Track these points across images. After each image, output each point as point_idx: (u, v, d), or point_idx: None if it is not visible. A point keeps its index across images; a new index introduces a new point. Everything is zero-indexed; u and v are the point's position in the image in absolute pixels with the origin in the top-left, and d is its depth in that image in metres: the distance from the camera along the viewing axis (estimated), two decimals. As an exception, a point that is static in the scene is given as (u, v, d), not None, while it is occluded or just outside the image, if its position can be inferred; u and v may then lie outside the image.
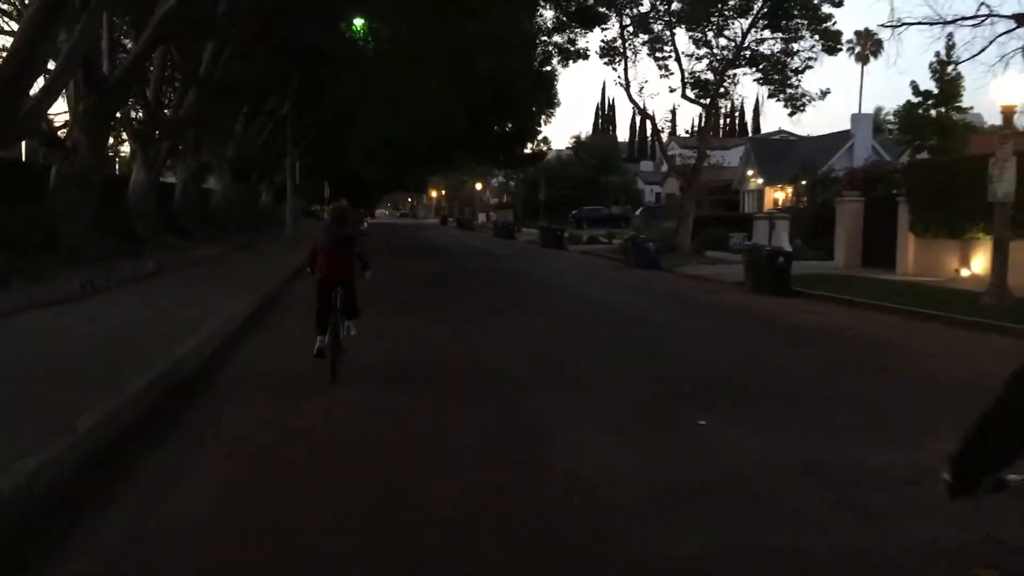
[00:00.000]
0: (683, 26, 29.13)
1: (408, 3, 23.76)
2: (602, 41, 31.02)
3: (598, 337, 11.18)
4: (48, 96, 13.60)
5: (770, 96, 29.02)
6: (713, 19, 28.12)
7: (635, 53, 30.51)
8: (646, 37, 30.04)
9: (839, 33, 27.75)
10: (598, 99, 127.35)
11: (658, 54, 29.95)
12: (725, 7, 27.77)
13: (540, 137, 56.56)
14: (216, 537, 4.01)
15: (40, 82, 13.68)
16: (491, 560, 3.84)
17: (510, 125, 48.18)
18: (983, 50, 16.01)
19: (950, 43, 26.43)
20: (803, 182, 33.63)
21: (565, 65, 32.85)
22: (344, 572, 3.76)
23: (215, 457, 5.33)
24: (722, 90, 30.00)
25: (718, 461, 5.45)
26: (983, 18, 15.63)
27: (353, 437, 5.94)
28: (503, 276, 21.52)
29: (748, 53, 28.58)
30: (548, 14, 31.45)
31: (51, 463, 4.47)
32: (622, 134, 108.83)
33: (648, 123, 35.32)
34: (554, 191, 57.61)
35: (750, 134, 77.42)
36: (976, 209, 15.35)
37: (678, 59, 29.48)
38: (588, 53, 32.10)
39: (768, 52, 28.46)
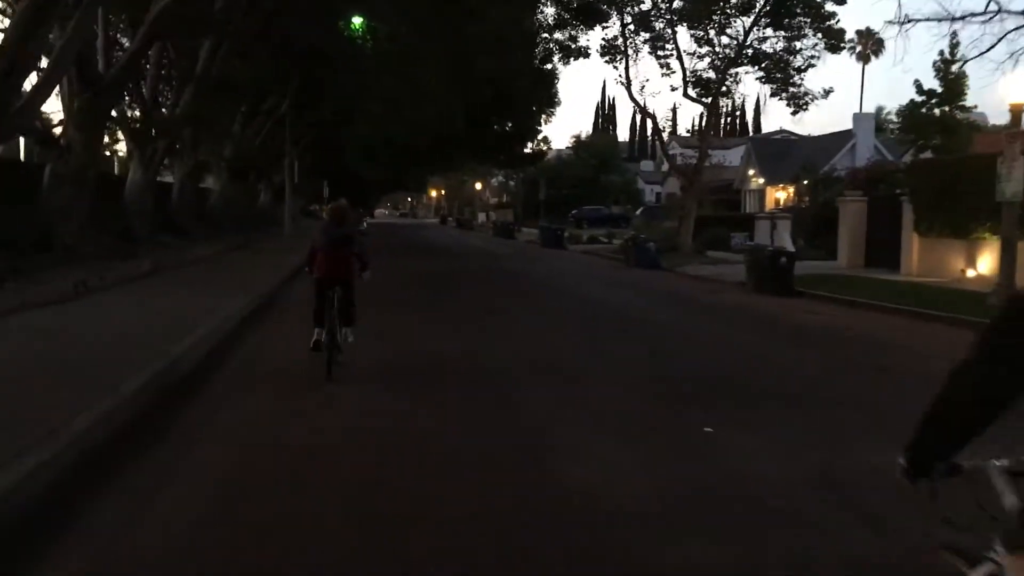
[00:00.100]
0: (685, 24, 29.07)
1: (407, 2, 23.72)
2: (603, 39, 31.00)
3: (599, 337, 11.14)
4: (41, 93, 13.54)
5: (772, 95, 28.98)
6: (715, 17, 28.07)
7: (636, 51, 30.53)
8: (647, 35, 29.97)
9: (842, 31, 27.69)
10: (598, 98, 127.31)
11: (660, 52, 29.94)
12: (727, 5, 27.73)
13: (540, 136, 56.54)
14: (213, 537, 4.00)
15: (33, 79, 13.62)
16: (490, 561, 3.83)
17: (510, 124, 48.16)
18: (992, 47, 15.89)
19: (954, 41, 26.40)
20: (805, 182, 33.57)
21: (566, 63, 32.81)
22: (344, 572, 3.75)
23: (210, 457, 5.30)
24: (724, 89, 29.93)
25: (719, 462, 5.42)
26: (992, 14, 15.53)
27: (351, 437, 5.90)
28: (503, 276, 21.48)
29: (750, 51, 28.53)
30: (549, 11, 31.40)
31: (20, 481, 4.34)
32: (622, 134, 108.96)
33: (649, 122, 35.32)
34: (554, 191, 57.56)
35: (751, 134, 77.39)
36: (982, 209, 15.29)
37: (680, 57, 29.49)
38: (589, 52, 32.06)
39: (771, 50, 28.42)
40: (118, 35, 21.06)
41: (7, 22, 14.22)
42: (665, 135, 37.04)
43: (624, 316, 13.70)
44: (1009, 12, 15.43)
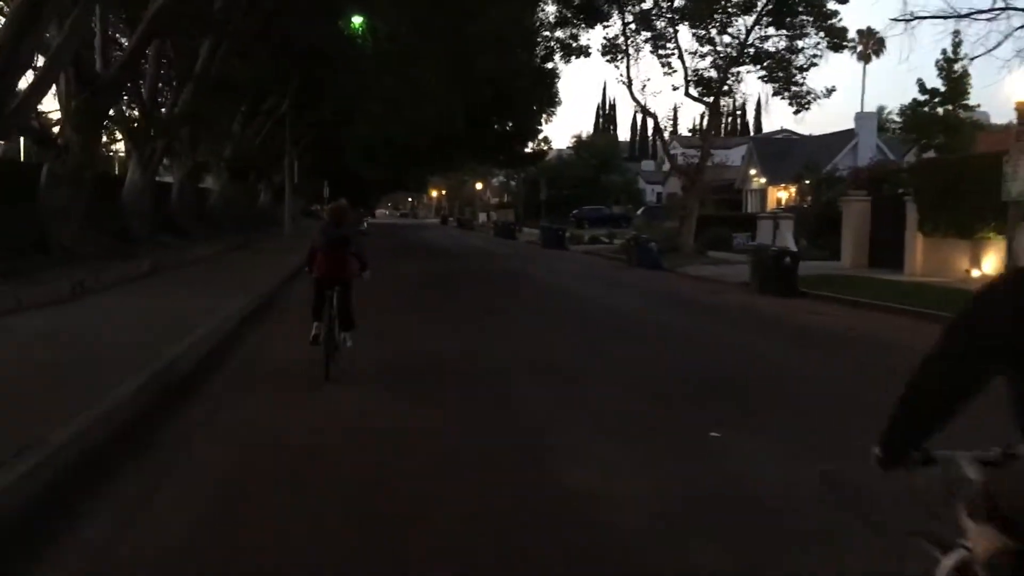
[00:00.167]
0: (686, 23, 28.94)
1: (407, 1, 23.61)
2: (604, 38, 30.85)
3: (600, 338, 11.07)
4: (37, 92, 13.43)
5: (775, 94, 28.81)
6: (717, 16, 27.95)
7: (637, 51, 30.40)
8: (649, 34, 29.85)
9: (844, 30, 27.58)
10: (599, 99, 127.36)
11: (661, 51, 29.82)
12: (729, 4, 27.63)
13: (541, 136, 56.46)
14: (213, 537, 4.00)
15: (31, 79, 13.50)
16: (489, 561, 3.82)
17: (511, 124, 48.06)
18: (998, 45, 15.74)
19: (957, 40, 26.30)
20: (807, 181, 33.47)
21: (567, 61, 32.66)
22: (344, 572, 3.74)
23: (210, 457, 5.30)
24: (726, 88, 29.80)
25: (718, 463, 5.38)
26: (999, 12, 15.40)
27: (350, 437, 5.88)
28: (503, 276, 21.44)
29: (752, 50, 28.40)
30: (550, 8, 31.25)
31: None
32: (623, 133, 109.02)
33: (650, 122, 35.22)
34: (555, 191, 57.51)
35: (752, 133, 77.29)
36: (986, 208, 15.19)
37: (681, 57, 29.41)
38: (590, 51, 31.89)
39: (772, 49, 28.28)
40: (117, 35, 20.92)
41: (2, 20, 14.05)
42: (666, 135, 36.88)
43: (626, 317, 13.64)
44: (1016, 9, 15.31)
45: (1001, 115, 35.19)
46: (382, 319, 11.10)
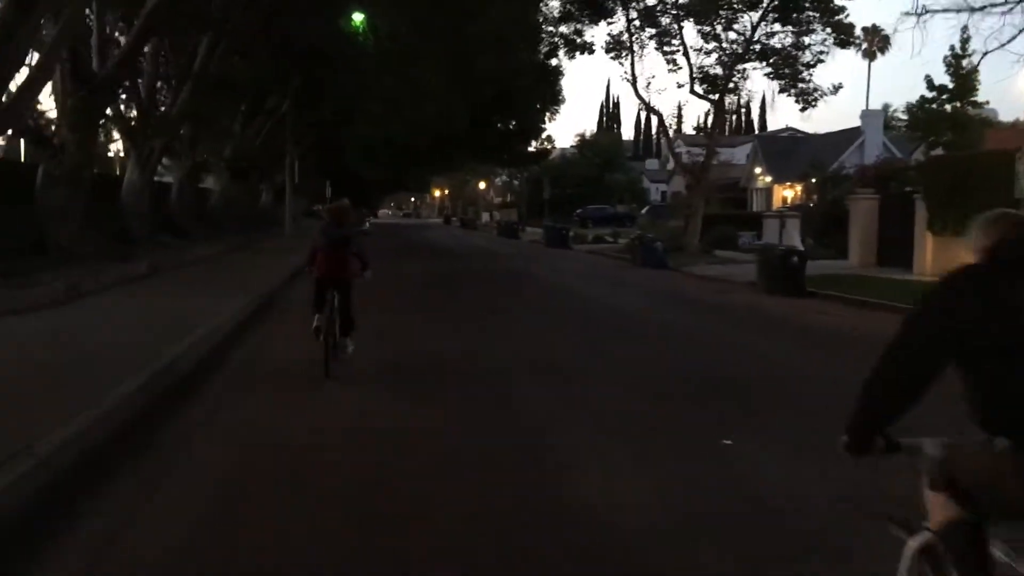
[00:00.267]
0: (691, 19, 28.76)
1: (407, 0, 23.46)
2: (608, 35, 30.66)
3: (603, 338, 10.96)
4: (31, 90, 13.25)
5: (781, 91, 28.59)
6: (722, 12, 27.75)
7: (642, 47, 30.22)
8: (653, 31, 29.65)
9: (851, 26, 27.39)
10: (602, 97, 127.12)
11: (666, 48, 29.62)
12: (734, 0, 27.32)
13: (544, 135, 56.26)
14: (211, 537, 4.01)
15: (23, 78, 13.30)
16: (489, 561, 3.82)
17: (514, 123, 47.85)
18: (1013, 39, 15.51)
19: (965, 36, 26.10)
20: (813, 180, 33.23)
21: (571, 57, 32.41)
22: (344, 572, 3.74)
23: (208, 458, 5.30)
24: (731, 85, 29.57)
25: (719, 463, 5.34)
26: (1013, 5, 15.15)
27: (350, 437, 5.88)
28: (506, 276, 21.33)
29: (758, 47, 28.20)
30: (554, 3, 31.04)
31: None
32: (627, 132, 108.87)
33: (655, 120, 34.95)
34: (558, 190, 57.30)
35: (756, 132, 77.06)
36: (997, 206, 14.89)
37: (686, 53, 29.26)
38: (594, 48, 31.67)
39: (779, 46, 28.06)
40: (115, 33, 20.75)
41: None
42: (671, 132, 36.63)
43: (631, 317, 13.52)
44: None
45: (1009, 112, 34.93)
46: (384, 319, 11.11)
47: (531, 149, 55.11)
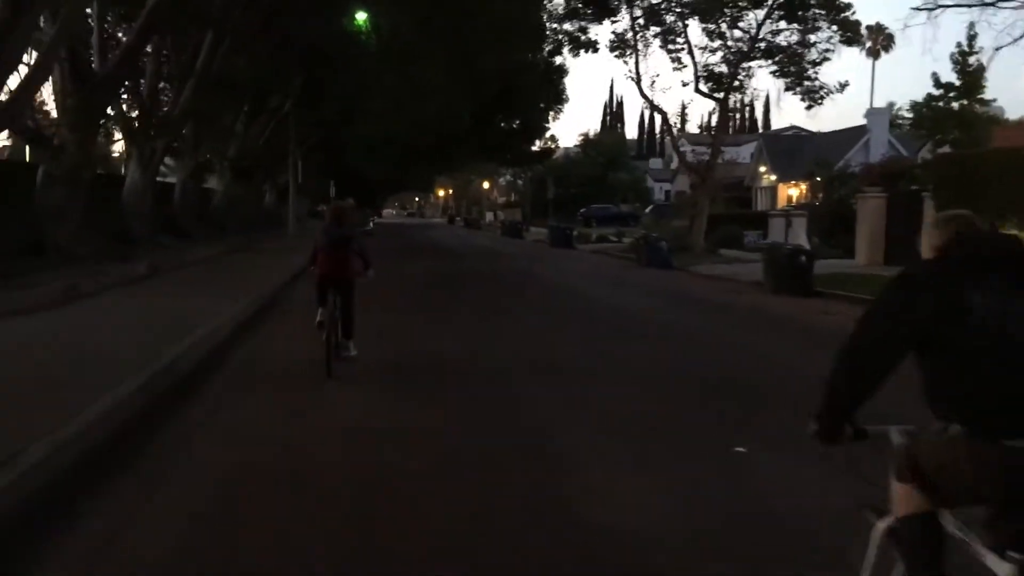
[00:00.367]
0: (696, 17, 28.46)
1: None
2: (613, 33, 30.30)
3: (609, 341, 10.77)
4: (28, 90, 12.97)
5: (787, 89, 28.24)
6: (727, 10, 27.41)
7: (646, 46, 29.89)
8: (658, 29, 29.29)
9: (857, 23, 27.09)
10: (606, 96, 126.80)
11: (670, 46, 29.30)
12: (739, -3, 26.98)
13: (548, 135, 55.94)
14: (210, 537, 4.00)
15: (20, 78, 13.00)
16: (490, 561, 3.80)
17: (517, 122, 47.55)
18: (1024, 35, 15.10)
19: (972, 33, 25.72)
20: (818, 178, 32.86)
21: (576, 54, 32.12)
22: (344, 572, 3.71)
23: (207, 458, 5.26)
24: (736, 83, 29.20)
25: (723, 464, 5.28)
26: None
27: (351, 437, 5.84)
28: (509, 276, 21.24)
29: (763, 45, 27.87)
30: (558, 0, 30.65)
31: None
32: (631, 131, 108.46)
33: (659, 119, 34.60)
34: (562, 189, 57.13)
35: (760, 130, 76.69)
36: (1007, 204, 14.61)
37: (691, 52, 29.00)
38: (598, 46, 31.29)
39: (784, 44, 27.69)
40: (116, 31, 20.48)
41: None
42: (675, 131, 36.24)
43: (637, 318, 13.34)
44: None
45: (1016, 109, 34.54)
46: (386, 318, 11.11)
47: (535, 148, 54.82)
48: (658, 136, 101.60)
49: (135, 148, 20.71)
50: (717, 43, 28.51)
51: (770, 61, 28.17)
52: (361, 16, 23.77)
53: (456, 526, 4.17)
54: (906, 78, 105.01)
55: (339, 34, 23.95)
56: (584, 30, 30.86)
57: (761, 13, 27.30)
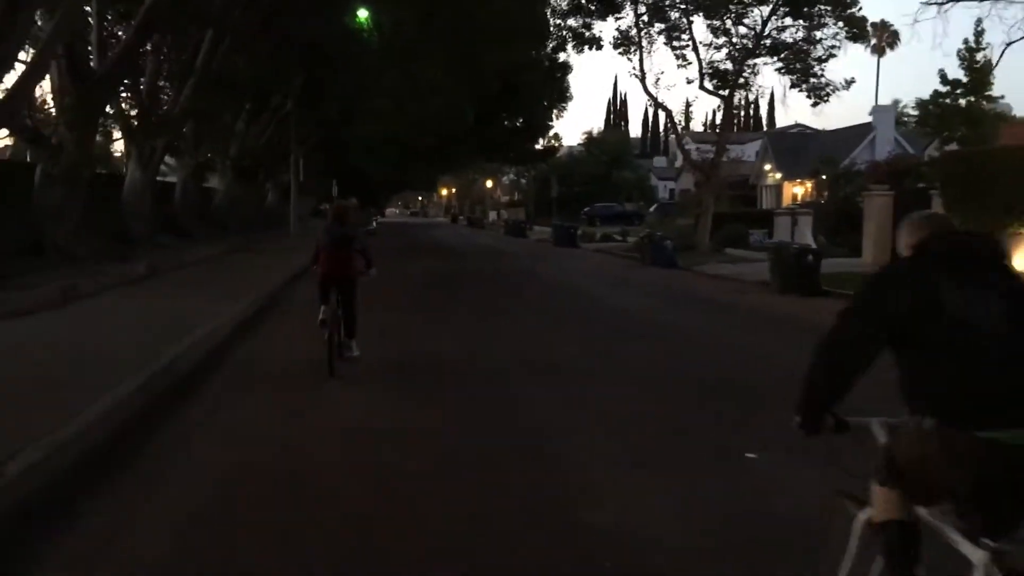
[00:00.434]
0: (701, 14, 28.39)
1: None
2: (617, 30, 30.24)
3: (608, 341, 10.72)
4: (25, 87, 12.93)
5: (792, 86, 28.12)
6: (732, 6, 27.32)
7: (651, 43, 29.80)
8: (662, 26, 29.24)
9: (864, 19, 26.97)
10: (610, 94, 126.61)
11: (675, 43, 29.23)
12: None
13: (551, 133, 55.81)
14: (209, 537, 4.01)
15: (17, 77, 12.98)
16: (489, 561, 3.81)
17: (520, 120, 47.47)
18: (1038, 29, 15.03)
19: (980, 28, 25.63)
20: (823, 176, 32.76)
21: (580, 51, 31.95)
22: (343, 572, 3.73)
23: (209, 457, 5.28)
24: (742, 80, 29.12)
25: (724, 465, 5.25)
26: None
27: (350, 437, 5.85)
28: (512, 275, 21.23)
29: (769, 41, 27.78)
30: (563, -6, 30.55)
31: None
32: (634, 130, 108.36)
33: (664, 116, 34.50)
34: (566, 188, 57.04)
35: (765, 128, 76.54)
36: (1015, 201, 14.54)
37: (696, 48, 28.94)
38: (602, 43, 31.21)
39: (790, 40, 27.61)
40: (116, 29, 20.48)
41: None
42: (679, 129, 36.18)
43: (642, 319, 13.23)
44: None
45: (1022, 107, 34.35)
46: (389, 317, 11.14)
47: (538, 147, 54.71)
48: (662, 134, 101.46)
49: (135, 147, 20.71)
50: (722, 40, 28.48)
51: (775, 58, 28.09)
52: (363, 13, 23.75)
53: (454, 526, 4.18)
54: (911, 76, 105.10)
55: (340, 32, 23.92)
56: (588, 26, 30.77)
57: (766, 9, 27.27)
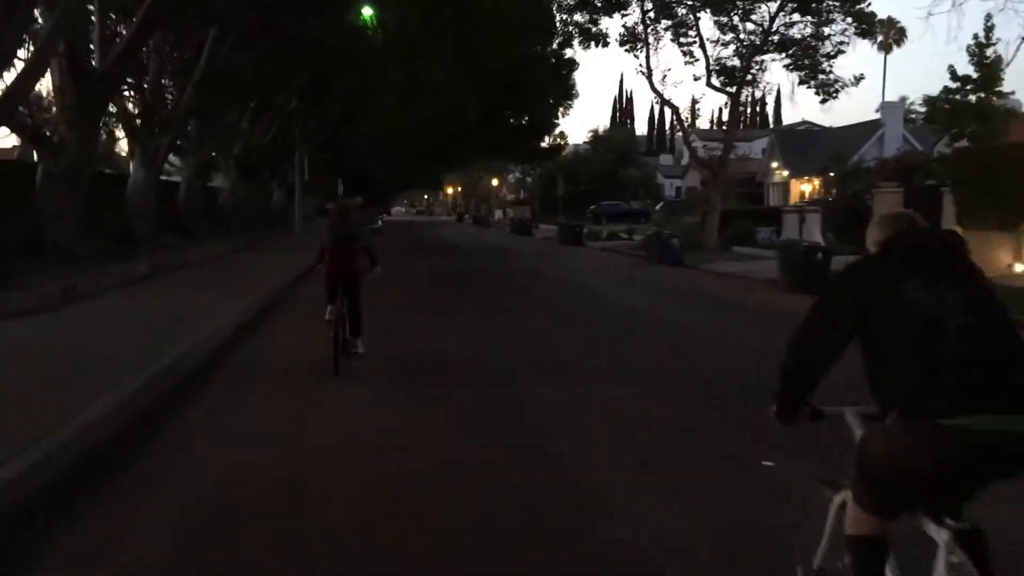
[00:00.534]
0: (708, 10, 28.26)
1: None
2: (623, 27, 30.12)
3: (614, 339, 10.68)
4: (25, 85, 12.87)
5: (801, 83, 27.98)
6: (739, 2, 27.24)
7: (657, 39, 29.69)
8: (669, 22, 29.12)
9: (873, 15, 26.80)
10: (615, 92, 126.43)
11: (682, 40, 29.12)
12: (752, -11, 26.78)
13: (557, 131, 55.76)
14: (210, 537, 4.02)
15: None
16: (492, 562, 3.81)
17: (526, 118, 47.42)
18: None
19: (989, 24, 25.43)
20: (831, 174, 32.62)
21: (586, 47, 31.79)
22: (344, 572, 3.72)
23: (209, 457, 5.27)
24: (749, 77, 28.99)
25: (728, 468, 5.22)
26: None
27: (351, 437, 5.85)
28: (517, 274, 21.23)
29: (776, 38, 27.67)
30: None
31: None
32: (640, 127, 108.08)
33: (671, 113, 34.41)
34: (572, 186, 56.99)
35: (772, 126, 76.34)
36: (1025, 197, 14.45)
37: (703, 45, 28.80)
38: (608, 40, 31.08)
39: (798, 36, 27.51)
40: (118, 27, 20.47)
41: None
42: (686, 126, 36.05)
43: (646, 317, 13.19)
44: None
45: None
46: (390, 316, 11.13)
47: (544, 145, 54.66)
48: (668, 132, 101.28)
49: (138, 146, 20.70)
50: (729, 36, 28.40)
51: (784, 54, 27.99)
52: (367, 11, 23.72)
53: (457, 526, 4.17)
54: (916, 73, 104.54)
55: (343, 30, 23.88)
56: (595, 21, 30.62)
57: (774, 5, 27.15)
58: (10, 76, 13.17)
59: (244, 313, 11.29)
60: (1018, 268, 16.07)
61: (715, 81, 29.13)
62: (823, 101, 28.38)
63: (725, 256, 24.37)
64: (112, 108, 20.64)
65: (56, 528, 4.00)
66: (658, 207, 50.99)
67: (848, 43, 27.04)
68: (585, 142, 72.36)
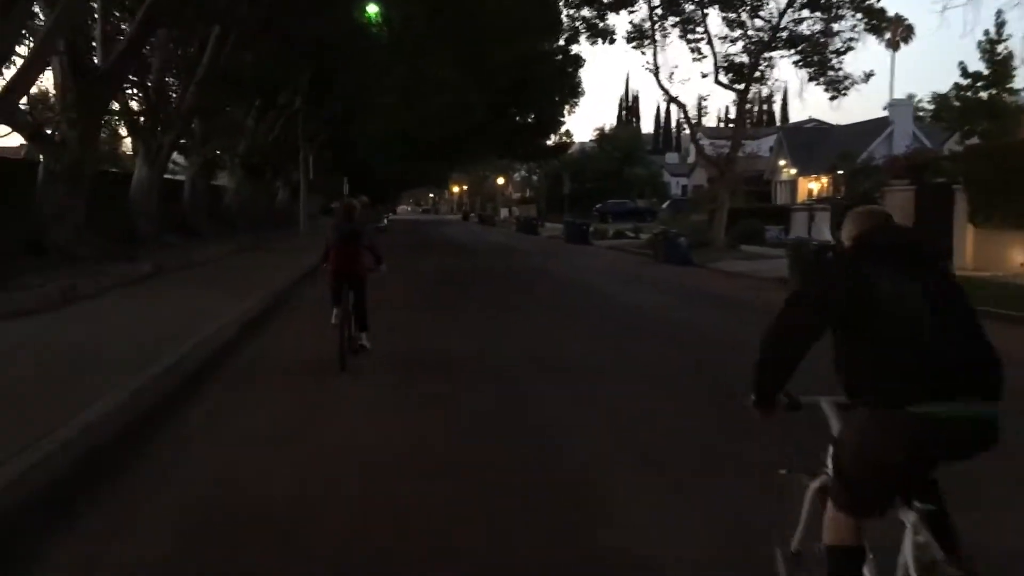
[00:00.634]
0: (716, 7, 28.20)
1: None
2: (630, 23, 30.07)
3: (619, 339, 10.66)
4: (24, 82, 12.86)
5: (810, 80, 27.89)
6: (747, -1, 27.05)
7: (665, 36, 29.63)
8: (676, 19, 29.05)
9: (883, 11, 26.66)
10: (622, 91, 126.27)
11: (690, 36, 29.05)
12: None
13: (563, 129, 55.69)
14: (210, 537, 4.03)
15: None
16: (493, 562, 3.81)
17: (532, 116, 47.38)
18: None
19: (1000, 20, 25.31)
20: (840, 171, 32.49)
21: (593, 42, 31.75)
22: (344, 572, 3.73)
23: (209, 457, 5.27)
24: (758, 74, 28.89)
25: (730, 469, 5.18)
26: None
27: (353, 437, 5.84)
28: (524, 272, 21.24)
29: (785, 34, 27.56)
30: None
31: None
32: (646, 126, 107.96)
33: (678, 110, 34.32)
34: (578, 185, 56.95)
35: (779, 124, 76.14)
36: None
37: (710, 42, 28.75)
38: (615, 36, 30.99)
39: (807, 33, 27.37)
40: (120, 24, 20.50)
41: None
42: (693, 123, 35.98)
43: (651, 316, 13.14)
44: None
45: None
46: (395, 315, 11.16)
47: (549, 143, 54.60)
48: (675, 130, 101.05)
49: (141, 144, 20.72)
50: (737, 33, 28.35)
51: (792, 51, 27.90)
52: (372, 9, 23.71)
53: (458, 525, 4.17)
54: (923, 71, 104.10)
55: (347, 28, 23.87)
56: (603, 16, 30.51)
57: (783, 2, 27.12)
58: (9, 73, 13.20)
59: (249, 313, 11.27)
60: (1031, 266, 16.00)
61: (723, 78, 29.11)
62: (832, 98, 28.31)
63: (733, 254, 24.31)
64: (115, 106, 20.66)
65: (56, 528, 4.00)
66: (664, 205, 50.90)
67: (858, 39, 26.97)
68: (591, 140, 72.34)
